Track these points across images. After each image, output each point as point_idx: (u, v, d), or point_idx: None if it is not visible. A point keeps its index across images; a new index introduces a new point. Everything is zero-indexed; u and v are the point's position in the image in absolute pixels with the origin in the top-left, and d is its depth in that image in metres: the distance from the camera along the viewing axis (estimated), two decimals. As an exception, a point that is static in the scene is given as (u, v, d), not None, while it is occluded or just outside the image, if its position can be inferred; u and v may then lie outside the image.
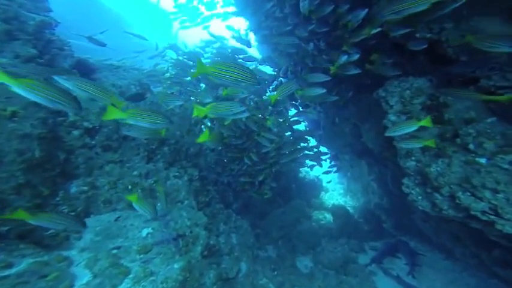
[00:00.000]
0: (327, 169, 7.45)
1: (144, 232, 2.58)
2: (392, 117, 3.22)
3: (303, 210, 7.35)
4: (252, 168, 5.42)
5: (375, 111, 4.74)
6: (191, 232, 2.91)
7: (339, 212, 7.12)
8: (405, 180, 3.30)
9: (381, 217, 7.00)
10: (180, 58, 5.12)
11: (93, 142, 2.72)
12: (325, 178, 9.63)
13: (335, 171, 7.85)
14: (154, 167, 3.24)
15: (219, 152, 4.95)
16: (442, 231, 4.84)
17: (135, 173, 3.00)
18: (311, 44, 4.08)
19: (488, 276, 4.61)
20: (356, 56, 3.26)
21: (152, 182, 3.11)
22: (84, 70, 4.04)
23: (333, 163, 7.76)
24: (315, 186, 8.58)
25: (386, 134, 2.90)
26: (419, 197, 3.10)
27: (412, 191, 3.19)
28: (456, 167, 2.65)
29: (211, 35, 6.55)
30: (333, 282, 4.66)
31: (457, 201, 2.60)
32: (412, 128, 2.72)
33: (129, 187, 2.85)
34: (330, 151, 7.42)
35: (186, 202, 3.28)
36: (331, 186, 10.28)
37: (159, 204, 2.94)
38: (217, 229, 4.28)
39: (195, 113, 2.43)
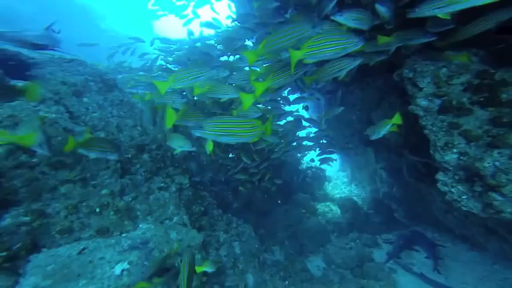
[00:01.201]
0: (323, 157, 6.68)
1: (118, 269, 1.89)
2: (423, 102, 2.52)
3: (307, 205, 6.76)
4: (249, 165, 4.79)
5: (389, 96, 4.06)
6: (181, 261, 2.26)
7: (347, 204, 6.54)
8: (441, 177, 2.64)
9: (392, 206, 6.48)
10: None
11: (34, 160, 2.00)
12: (327, 167, 9.05)
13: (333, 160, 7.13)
14: (130, 181, 2.54)
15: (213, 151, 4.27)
16: (471, 224, 4.28)
17: (104, 191, 2.29)
18: None
19: None
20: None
21: (130, 199, 2.42)
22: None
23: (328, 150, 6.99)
24: (318, 178, 7.97)
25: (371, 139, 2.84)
26: (464, 197, 2.46)
27: (453, 190, 2.54)
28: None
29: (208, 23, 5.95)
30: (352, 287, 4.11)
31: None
32: (386, 127, 2.64)
33: (97, 210, 2.16)
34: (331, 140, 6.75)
35: (175, 219, 2.62)
36: (334, 174, 9.72)
37: (140, 226, 2.29)
38: (217, 241, 3.65)
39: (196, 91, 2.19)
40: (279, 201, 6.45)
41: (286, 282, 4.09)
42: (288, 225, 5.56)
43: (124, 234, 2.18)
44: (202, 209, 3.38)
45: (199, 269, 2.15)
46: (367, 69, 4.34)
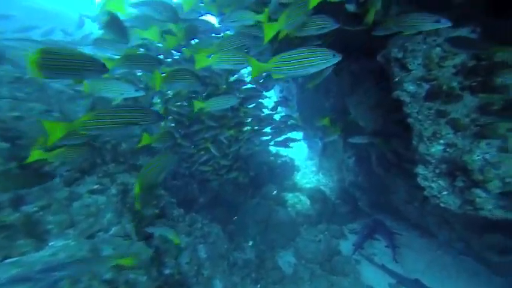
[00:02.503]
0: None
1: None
2: (411, 87, 2.18)
3: (277, 197, 6.45)
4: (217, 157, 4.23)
5: (365, 81, 3.77)
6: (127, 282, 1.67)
7: (316, 195, 6.36)
8: (421, 170, 2.38)
9: (356, 195, 6.49)
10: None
11: None
12: (296, 156, 8.83)
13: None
14: (37, 185, 1.80)
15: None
16: (429, 215, 4.30)
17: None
18: None
19: (460, 253, 4.37)
20: None
21: (36, 209, 1.69)
22: None
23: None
24: (288, 167, 7.69)
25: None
26: (444, 193, 2.22)
27: (433, 185, 2.29)
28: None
29: None
30: (323, 285, 3.87)
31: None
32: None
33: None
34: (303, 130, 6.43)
35: (113, 229, 1.98)
36: (302, 163, 9.57)
37: (52, 243, 1.62)
38: (177, 246, 3.07)
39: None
40: (250, 194, 6.01)
41: (258, 286, 3.71)
42: (259, 221, 5.17)
43: (11, 259, 1.47)
44: (157, 211, 2.76)
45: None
46: (343, 53, 4.00)
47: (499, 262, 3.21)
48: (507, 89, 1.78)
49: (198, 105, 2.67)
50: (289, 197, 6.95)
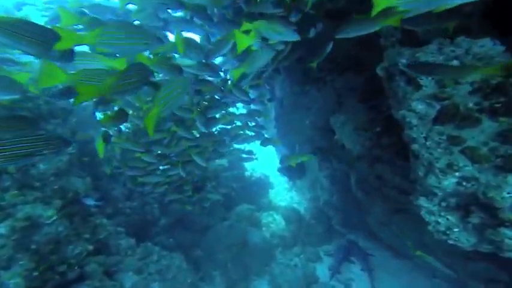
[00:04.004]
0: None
1: None
2: (420, 106, 1.83)
3: (251, 217, 5.83)
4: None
5: (352, 98, 3.46)
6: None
7: (291, 215, 5.89)
8: (423, 202, 2.01)
9: (329, 214, 6.20)
10: None
11: None
12: (271, 173, 8.40)
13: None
14: None
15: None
16: (408, 239, 4.05)
17: None
18: None
19: (434, 276, 4.22)
20: None
21: None
22: None
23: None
24: (263, 185, 7.17)
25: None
26: (455, 229, 1.85)
27: (440, 220, 1.92)
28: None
29: None
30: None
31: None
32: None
33: None
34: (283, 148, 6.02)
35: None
36: (275, 180, 9.15)
37: None
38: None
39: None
40: (220, 215, 5.29)
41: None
42: (231, 245, 4.46)
43: None
44: (90, 247, 1.98)
45: None
46: (325, 65, 3.66)
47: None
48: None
49: (237, 73, 2.06)
50: (264, 215, 6.40)
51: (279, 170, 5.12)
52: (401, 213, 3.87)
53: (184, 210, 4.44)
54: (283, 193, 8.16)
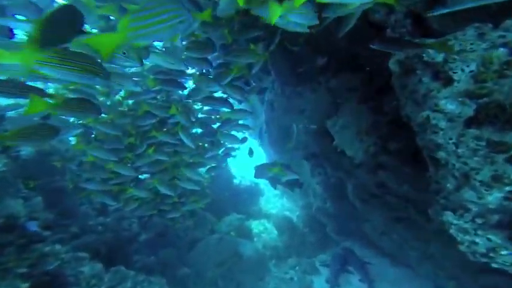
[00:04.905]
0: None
1: None
2: (450, 106, 1.49)
3: (241, 227, 5.36)
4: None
5: (350, 100, 3.12)
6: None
7: (283, 224, 5.48)
8: (452, 219, 1.67)
9: (323, 221, 5.87)
10: None
11: None
12: (260, 181, 7.95)
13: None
14: None
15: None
16: (411, 249, 3.76)
17: None
18: None
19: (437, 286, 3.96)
20: None
21: None
22: None
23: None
24: (253, 192, 6.73)
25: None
26: (504, 252, 1.52)
27: (477, 240, 1.58)
28: None
29: None
30: None
31: None
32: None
33: None
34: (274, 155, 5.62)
35: None
36: (265, 187, 8.74)
37: None
38: None
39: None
40: (209, 227, 4.78)
41: None
42: (221, 262, 3.96)
43: None
44: (24, 285, 1.46)
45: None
46: (319, 64, 3.31)
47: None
48: None
49: (276, 11, 1.42)
50: (255, 224, 5.95)
51: (271, 183, 4.64)
52: (403, 222, 3.59)
53: (167, 223, 3.90)
54: (274, 200, 7.76)
